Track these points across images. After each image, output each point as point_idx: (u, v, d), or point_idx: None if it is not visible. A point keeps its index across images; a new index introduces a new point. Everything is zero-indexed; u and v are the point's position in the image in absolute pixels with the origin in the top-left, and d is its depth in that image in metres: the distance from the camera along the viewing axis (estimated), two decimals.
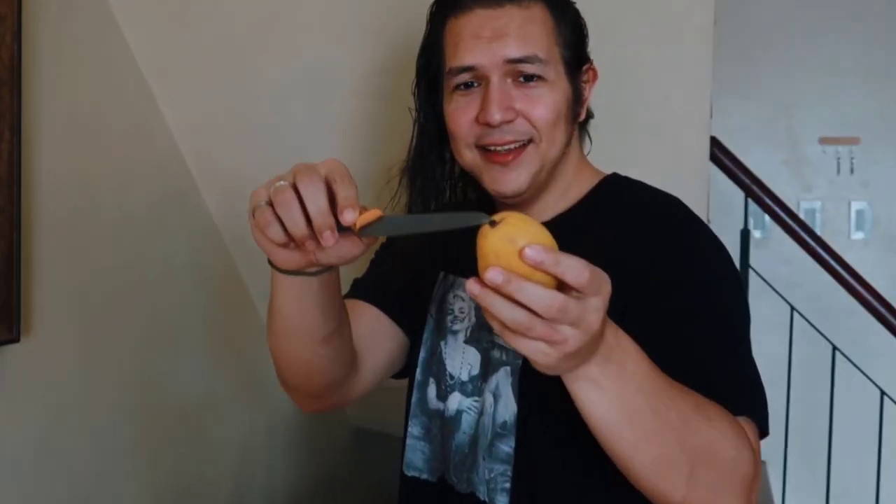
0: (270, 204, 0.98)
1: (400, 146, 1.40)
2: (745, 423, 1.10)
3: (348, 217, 0.94)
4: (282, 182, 0.97)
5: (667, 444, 0.98)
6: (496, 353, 1.28)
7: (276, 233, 0.98)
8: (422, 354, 1.39)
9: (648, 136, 1.83)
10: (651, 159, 1.82)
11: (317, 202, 0.95)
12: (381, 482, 2.07)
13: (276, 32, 1.98)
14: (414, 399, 1.39)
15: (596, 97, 1.35)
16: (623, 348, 0.95)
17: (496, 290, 0.83)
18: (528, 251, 0.82)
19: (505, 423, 1.25)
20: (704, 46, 1.78)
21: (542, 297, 0.82)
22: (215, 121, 2.11)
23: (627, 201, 1.31)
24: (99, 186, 1.85)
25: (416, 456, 1.39)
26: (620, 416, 0.96)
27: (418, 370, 1.39)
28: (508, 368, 1.26)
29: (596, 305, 0.86)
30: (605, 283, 0.87)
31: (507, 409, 1.25)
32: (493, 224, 0.85)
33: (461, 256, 1.36)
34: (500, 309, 0.83)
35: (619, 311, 1.11)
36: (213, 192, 2.19)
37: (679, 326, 1.15)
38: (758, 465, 1.08)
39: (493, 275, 0.82)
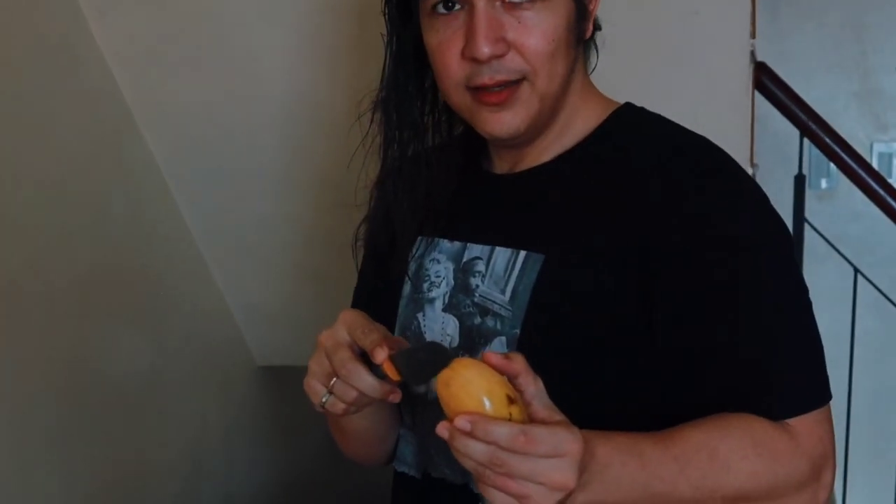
0: (330, 391, 1.27)
1: (375, 72, 1.43)
2: (800, 421, 1.22)
3: (379, 357, 1.20)
4: (334, 380, 1.26)
5: None
6: (487, 321, 1.33)
7: (353, 412, 1.30)
8: (396, 333, 1.44)
9: (674, 61, 1.89)
10: (677, 90, 1.88)
11: (364, 383, 1.23)
12: (369, 483, 2.14)
13: None
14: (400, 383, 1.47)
15: (607, 12, 1.38)
16: (611, 474, 1.13)
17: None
18: (458, 423, 1.05)
19: None
20: None
21: (504, 431, 1.04)
22: (155, 44, 2.17)
23: (642, 144, 1.34)
24: (17, 122, 1.91)
25: (407, 449, 1.47)
26: None
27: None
28: (504, 339, 1.31)
29: (557, 465, 1.05)
30: (566, 443, 1.06)
31: None
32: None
33: (439, 215, 1.43)
34: (471, 450, 1.06)
35: (636, 287, 1.24)
36: (156, 130, 2.26)
37: (707, 312, 1.24)
38: (816, 461, 1.22)
39: (460, 424, 1.05)
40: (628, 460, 1.14)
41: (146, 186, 2.31)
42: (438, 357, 1.20)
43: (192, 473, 2.48)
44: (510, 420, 1.06)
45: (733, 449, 1.18)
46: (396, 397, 1.26)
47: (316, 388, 1.28)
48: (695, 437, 1.18)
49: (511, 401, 1.07)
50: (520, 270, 1.31)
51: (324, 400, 1.27)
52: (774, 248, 1.29)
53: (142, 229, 2.29)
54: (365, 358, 1.24)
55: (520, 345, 1.29)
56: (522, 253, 1.32)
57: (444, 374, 1.10)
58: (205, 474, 2.54)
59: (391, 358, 1.21)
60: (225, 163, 2.34)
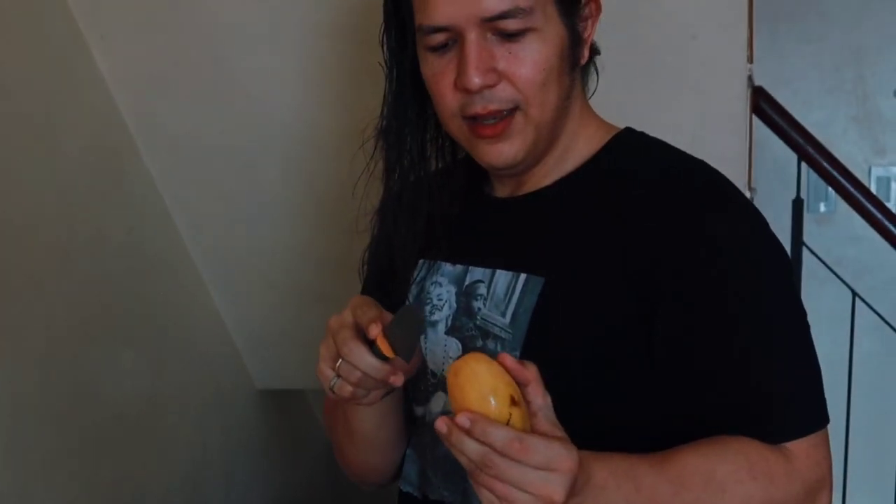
0: (337, 374, 1.28)
1: (379, 98, 1.46)
2: (797, 444, 1.24)
3: (373, 332, 1.24)
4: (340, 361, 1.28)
5: None
6: (489, 344, 1.35)
7: (361, 397, 1.31)
8: None
9: (671, 86, 1.90)
10: (675, 115, 1.89)
11: (364, 362, 1.25)
12: (369, 499, 2.16)
13: None
14: (403, 407, 1.48)
15: (606, 37, 1.40)
16: (606, 497, 1.15)
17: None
18: (459, 419, 1.06)
19: None
20: None
21: (501, 435, 1.06)
22: (158, 69, 2.19)
23: (643, 169, 1.36)
24: (19, 145, 1.93)
25: (411, 468, 1.48)
26: None
27: None
28: None
29: (546, 478, 1.06)
30: (560, 458, 1.07)
31: None
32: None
33: (441, 239, 1.45)
34: (466, 447, 1.07)
35: (636, 310, 1.25)
36: (156, 153, 2.28)
37: (707, 335, 1.25)
38: (812, 485, 1.24)
39: (461, 420, 1.06)
40: (624, 484, 1.15)
41: (146, 209, 2.32)
42: (412, 323, 1.26)
43: (191, 496, 2.49)
44: (509, 421, 1.07)
45: (729, 472, 1.19)
46: (398, 380, 1.27)
47: (325, 372, 1.30)
48: (691, 460, 1.20)
49: (514, 402, 1.09)
50: (520, 293, 1.33)
51: (332, 383, 1.29)
52: (773, 272, 1.30)
53: (141, 252, 2.30)
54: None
55: None
56: (523, 276, 1.34)
57: (456, 364, 1.12)
58: (203, 497, 2.54)
59: (385, 334, 1.25)
60: (225, 186, 2.35)
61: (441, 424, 1.08)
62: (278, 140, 2.26)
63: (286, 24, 2.09)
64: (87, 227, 2.12)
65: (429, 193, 1.45)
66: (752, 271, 1.28)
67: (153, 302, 2.34)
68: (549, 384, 1.15)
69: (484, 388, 1.09)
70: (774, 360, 1.26)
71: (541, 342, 1.31)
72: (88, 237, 2.13)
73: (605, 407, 1.29)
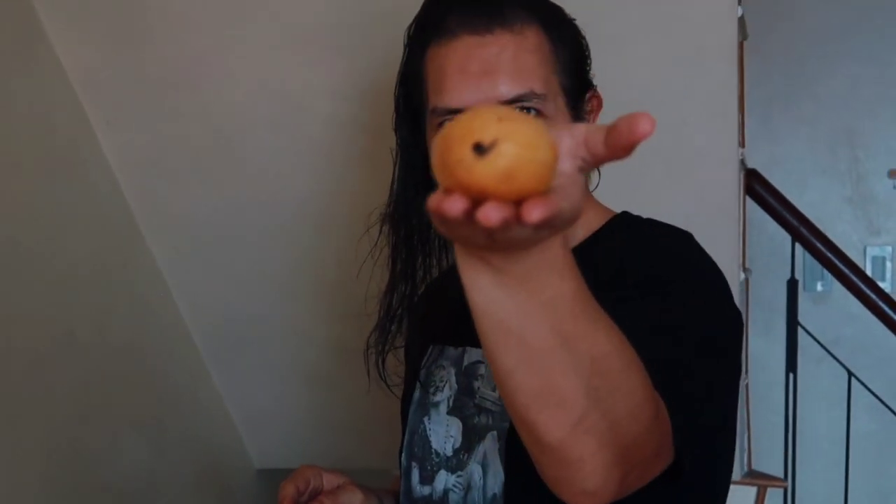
0: None
1: (382, 184, 1.49)
2: None
3: None
4: None
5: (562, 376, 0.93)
6: (482, 419, 1.38)
7: None
8: (405, 437, 1.49)
9: (665, 171, 1.94)
10: (669, 198, 1.93)
11: None
12: None
13: (234, 53, 2.12)
14: (402, 490, 1.50)
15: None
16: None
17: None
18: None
19: (495, 495, 1.36)
20: (728, 64, 1.92)
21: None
22: (162, 153, 2.24)
23: (629, 239, 1.40)
24: (23, 228, 1.97)
25: None
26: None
27: (403, 456, 1.50)
28: (495, 433, 1.36)
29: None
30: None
31: (497, 479, 1.36)
32: (480, 150, 0.72)
33: (447, 325, 1.48)
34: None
35: None
36: (159, 234, 2.32)
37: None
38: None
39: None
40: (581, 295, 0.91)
41: (148, 290, 2.35)
42: None
43: None
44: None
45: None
46: None
47: None
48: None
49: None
50: None
51: None
52: (717, 288, 1.30)
53: (143, 332, 2.33)
54: None
55: (509, 436, 1.33)
56: None
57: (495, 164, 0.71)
58: None
59: None
60: (227, 267, 2.39)
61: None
62: (281, 223, 2.30)
63: (289, 110, 2.14)
64: (90, 307, 2.16)
65: (435, 285, 1.50)
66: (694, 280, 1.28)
67: (154, 381, 2.36)
68: None
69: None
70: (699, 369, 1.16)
71: None
72: (90, 317, 2.16)
73: None
